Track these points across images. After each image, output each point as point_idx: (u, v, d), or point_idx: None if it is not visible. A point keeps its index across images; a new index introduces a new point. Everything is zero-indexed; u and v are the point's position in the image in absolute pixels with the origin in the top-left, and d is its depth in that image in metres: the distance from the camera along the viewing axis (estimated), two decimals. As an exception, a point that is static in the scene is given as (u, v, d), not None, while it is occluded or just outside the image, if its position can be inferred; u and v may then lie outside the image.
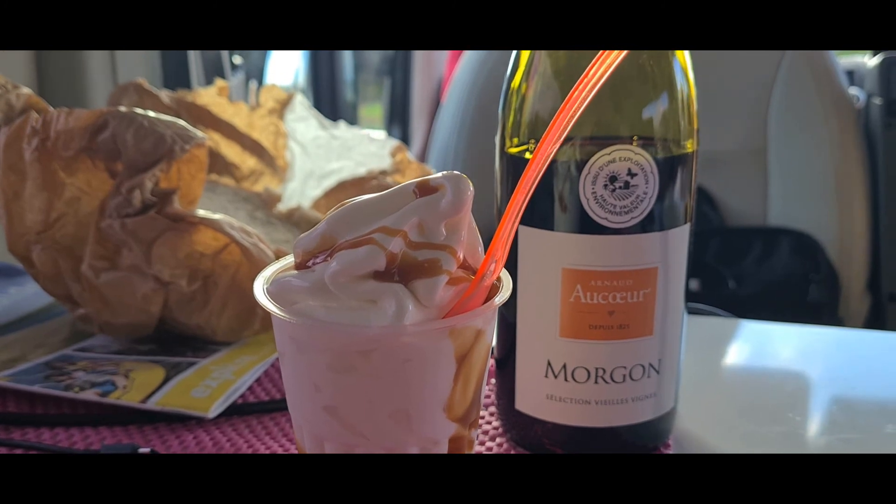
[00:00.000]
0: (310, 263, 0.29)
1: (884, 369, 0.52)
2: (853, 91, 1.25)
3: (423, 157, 1.31)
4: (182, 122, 0.49)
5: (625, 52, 0.28)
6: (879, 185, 1.04)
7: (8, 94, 0.54)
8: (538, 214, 0.38)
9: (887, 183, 1.03)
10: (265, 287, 0.29)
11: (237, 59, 0.97)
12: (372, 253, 0.27)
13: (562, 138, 0.27)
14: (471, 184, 0.28)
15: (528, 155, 0.40)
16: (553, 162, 0.38)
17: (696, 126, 0.41)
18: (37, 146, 0.49)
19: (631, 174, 0.37)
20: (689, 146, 0.40)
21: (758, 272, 1.03)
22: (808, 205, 1.05)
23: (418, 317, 0.27)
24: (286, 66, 1.50)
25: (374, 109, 2.04)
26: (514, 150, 0.40)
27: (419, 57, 1.55)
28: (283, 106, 0.68)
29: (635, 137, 0.39)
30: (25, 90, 0.54)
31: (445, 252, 0.27)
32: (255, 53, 1.40)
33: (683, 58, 0.41)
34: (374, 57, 1.64)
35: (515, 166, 0.40)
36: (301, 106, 0.68)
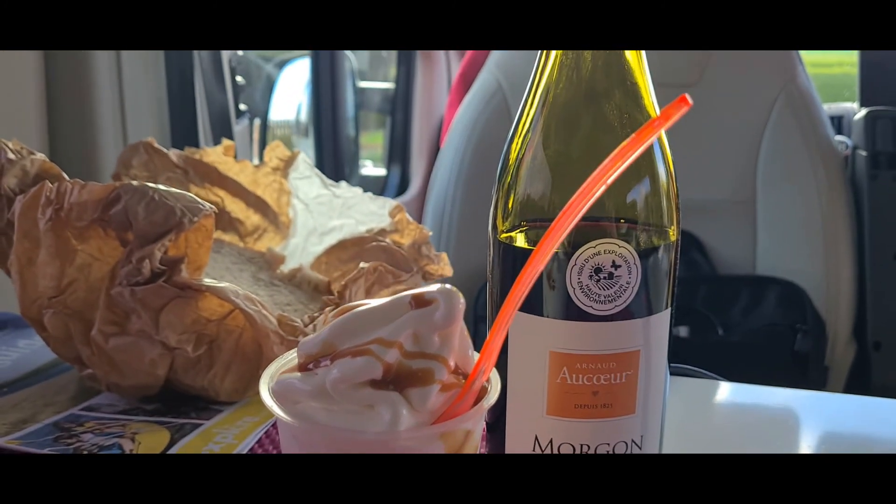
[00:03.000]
0: (311, 366, 0.31)
1: (863, 435, 0.54)
2: (840, 138, 1.28)
3: (422, 199, 1.34)
4: (190, 195, 0.51)
5: (630, 160, 0.30)
6: (865, 234, 1.07)
7: (22, 161, 0.56)
8: (528, 301, 0.40)
9: (872, 232, 1.06)
10: (270, 385, 0.31)
11: (242, 106, 1.00)
12: (369, 364, 0.29)
13: (549, 257, 0.29)
14: (462, 297, 0.30)
15: (517, 242, 0.42)
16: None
17: (676, 216, 0.43)
18: (51, 216, 0.51)
19: (615, 266, 0.40)
20: (672, 234, 0.43)
21: (745, 320, 1.06)
22: (795, 254, 1.08)
23: (411, 422, 0.29)
24: (289, 102, 1.53)
25: (375, 137, 2.07)
26: (504, 237, 0.43)
27: (419, 98, 1.59)
28: (287, 164, 0.70)
29: (622, 220, 0.41)
30: (39, 156, 0.57)
31: (438, 362, 0.29)
32: (258, 96, 1.43)
33: (664, 145, 0.43)
34: (375, 97, 1.68)
35: (504, 252, 0.43)
36: (304, 164, 0.70)
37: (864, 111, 1.10)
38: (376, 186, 1.64)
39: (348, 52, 1.47)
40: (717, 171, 1.13)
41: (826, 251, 1.07)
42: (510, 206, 0.43)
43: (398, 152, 1.60)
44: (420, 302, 0.30)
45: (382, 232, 0.67)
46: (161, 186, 0.51)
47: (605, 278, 0.39)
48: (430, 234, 0.65)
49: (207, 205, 0.52)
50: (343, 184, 0.71)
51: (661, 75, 1.11)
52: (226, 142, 0.69)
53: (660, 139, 0.43)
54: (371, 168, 1.73)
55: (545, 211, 0.43)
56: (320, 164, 1.37)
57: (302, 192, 0.70)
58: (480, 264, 0.47)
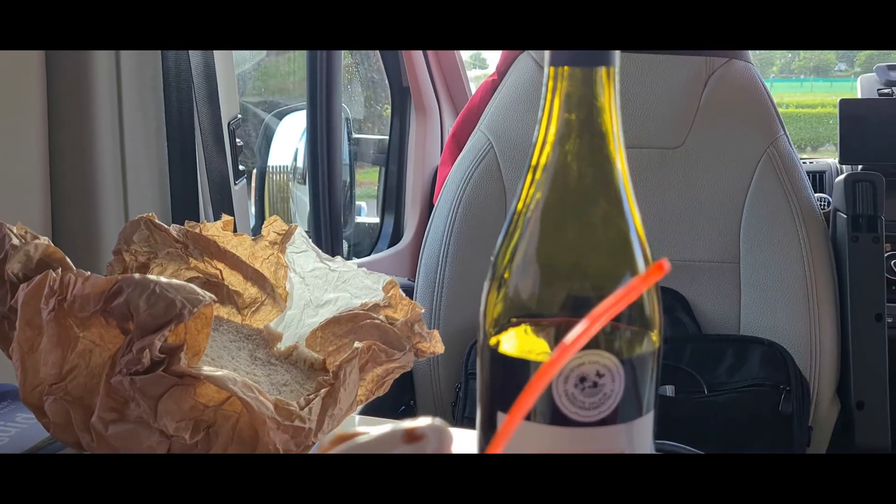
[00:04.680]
0: (309, 494, 0.32)
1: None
2: (820, 195, 1.31)
3: (415, 249, 1.36)
4: (191, 286, 0.53)
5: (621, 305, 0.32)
6: (847, 294, 1.09)
7: (26, 246, 0.58)
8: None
9: (854, 293, 1.08)
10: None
11: (241, 167, 1.02)
12: (365, 499, 0.30)
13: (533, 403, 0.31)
14: (451, 433, 0.32)
15: (503, 346, 0.44)
16: (531, 363, 0.42)
17: (659, 320, 0.45)
18: (54, 306, 0.52)
19: (599, 375, 0.41)
20: (654, 338, 0.44)
21: (730, 380, 1.08)
22: (778, 315, 1.10)
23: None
24: (287, 150, 1.56)
25: (371, 173, 2.09)
26: (493, 341, 0.45)
27: (413, 150, 1.62)
28: (285, 238, 0.72)
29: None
30: (43, 241, 0.59)
31: (429, 497, 0.31)
32: (258, 144, 1.46)
33: (646, 247, 0.45)
34: (370, 148, 1.71)
35: (492, 357, 0.44)
36: (301, 239, 0.72)
37: (843, 175, 1.14)
38: (371, 235, 1.67)
39: (344, 104, 1.50)
40: (702, 231, 1.16)
41: (809, 312, 1.10)
42: (501, 301, 0.45)
43: (392, 202, 1.63)
44: (412, 437, 0.32)
45: (376, 307, 0.68)
46: (162, 279, 0.53)
47: (589, 387, 0.41)
48: (423, 311, 0.66)
49: (207, 295, 0.53)
50: (338, 258, 0.72)
51: (646, 138, 1.15)
52: (225, 217, 0.71)
53: (640, 239, 0.45)
54: (365, 216, 1.75)
55: (533, 311, 0.45)
56: (316, 213, 1.40)
57: (298, 266, 0.72)
58: (472, 320, 0.49)
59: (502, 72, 1.24)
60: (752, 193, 1.14)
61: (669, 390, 1.04)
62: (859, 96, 1.79)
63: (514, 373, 0.43)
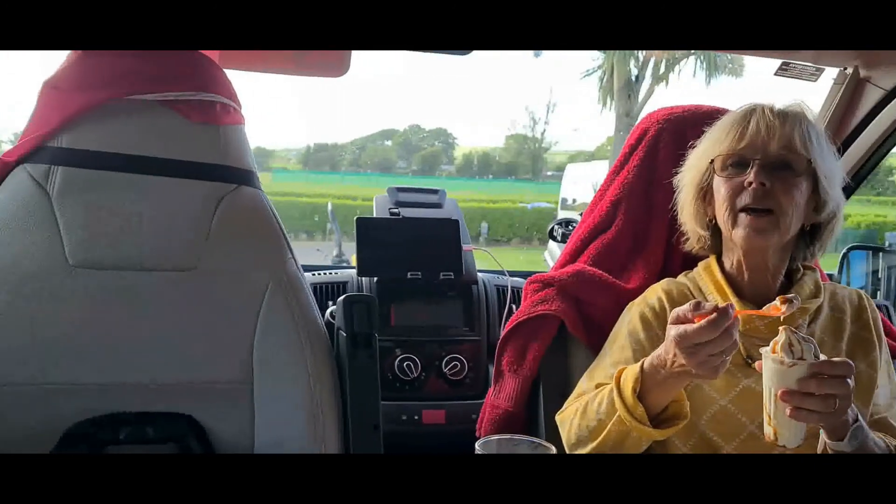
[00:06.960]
0: None
1: None
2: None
3: None
4: None
5: None
6: (349, 407, 1.19)
7: None
8: None
9: (353, 405, 1.18)
10: None
11: None
12: None
13: None
14: None
15: None
16: None
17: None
18: None
19: None
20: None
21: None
22: (290, 432, 1.16)
23: None
24: None
25: None
26: None
27: None
28: None
29: None
30: None
31: None
32: None
33: None
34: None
35: None
36: None
37: (341, 299, 1.24)
38: None
39: None
40: (217, 352, 1.18)
41: (315, 426, 1.18)
42: None
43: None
44: None
45: None
46: None
47: None
48: None
49: None
50: None
51: (160, 261, 1.13)
52: None
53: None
54: None
55: None
56: None
57: None
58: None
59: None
60: (262, 315, 1.20)
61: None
62: (375, 215, 2.00)
63: None
